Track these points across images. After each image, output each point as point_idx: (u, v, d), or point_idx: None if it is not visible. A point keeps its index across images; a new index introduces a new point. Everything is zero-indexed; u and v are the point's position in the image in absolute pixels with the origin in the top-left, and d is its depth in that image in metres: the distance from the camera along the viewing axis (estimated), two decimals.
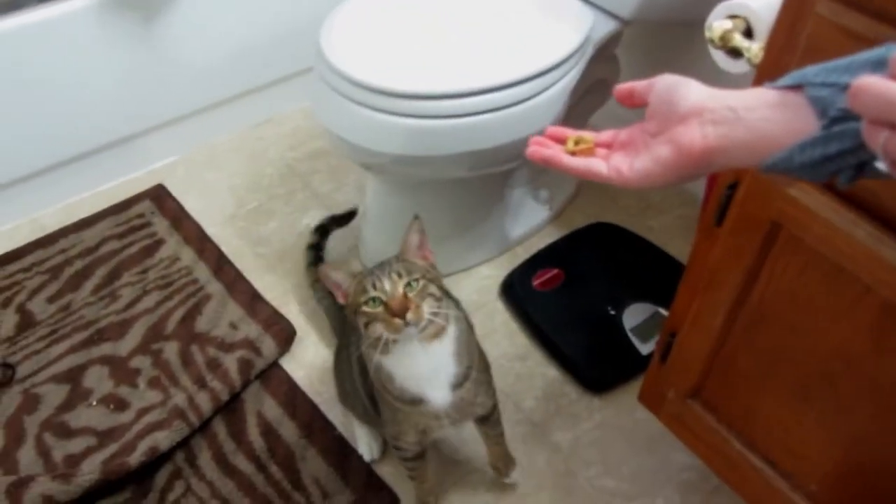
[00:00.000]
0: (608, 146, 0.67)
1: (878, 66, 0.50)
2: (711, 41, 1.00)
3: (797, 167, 0.55)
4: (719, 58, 1.04)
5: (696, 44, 1.75)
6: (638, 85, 0.66)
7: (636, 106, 0.66)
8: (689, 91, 0.61)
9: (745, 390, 1.14)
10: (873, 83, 0.44)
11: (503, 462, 1.38)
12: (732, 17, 1.00)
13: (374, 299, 1.02)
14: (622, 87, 0.67)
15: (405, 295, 1.02)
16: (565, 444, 1.48)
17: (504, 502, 1.40)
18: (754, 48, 0.96)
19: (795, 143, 0.54)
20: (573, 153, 0.67)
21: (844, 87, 0.50)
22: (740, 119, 0.57)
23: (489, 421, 1.29)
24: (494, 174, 1.74)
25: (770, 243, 0.98)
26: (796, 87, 0.55)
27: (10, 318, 1.73)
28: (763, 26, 0.97)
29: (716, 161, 0.59)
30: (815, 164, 0.54)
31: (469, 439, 1.45)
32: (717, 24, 0.99)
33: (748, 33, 0.99)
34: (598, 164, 0.65)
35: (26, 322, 1.72)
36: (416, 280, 1.04)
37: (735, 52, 1.00)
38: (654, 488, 1.41)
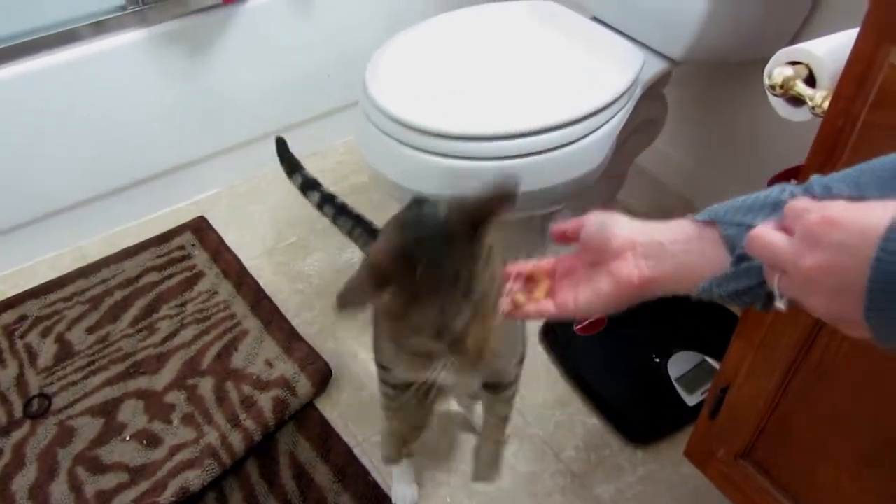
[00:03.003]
0: (551, 274, 0.74)
1: (776, 207, 0.56)
2: (771, 88, 0.96)
3: (717, 297, 0.60)
4: (779, 105, 0.99)
5: (746, 83, 1.71)
6: (569, 226, 0.72)
7: (569, 243, 0.72)
8: (619, 227, 0.67)
9: (802, 452, 1.08)
10: (762, 234, 0.51)
11: (488, 460, 1.20)
12: (793, 63, 0.96)
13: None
14: (555, 228, 0.73)
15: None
16: (607, 498, 1.43)
17: None
18: (817, 97, 0.91)
19: (713, 278, 0.60)
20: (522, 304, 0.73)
21: (748, 227, 0.56)
22: (666, 251, 0.63)
23: (500, 393, 1.15)
24: (535, 216, 1.71)
25: None
26: (711, 222, 0.61)
27: (50, 348, 1.73)
28: (827, 74, 0.93)
29: (653, 290, 0.64)
30: (732, 296, 0.59)
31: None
32: (778, 71, 0.95)
33: (810, 81, 0.95)
34: (548, 305, 0.72)
35: (65, 352, 1.72)
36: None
37: (796, 100, 0.95)
38: None
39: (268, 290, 1.84)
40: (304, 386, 1.56)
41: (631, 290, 0.65)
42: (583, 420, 1.56)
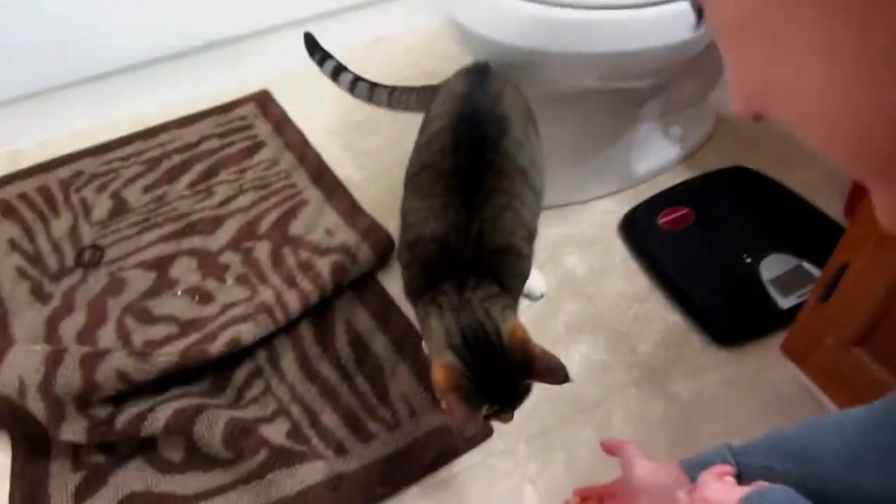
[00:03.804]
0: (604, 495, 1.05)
1: (705, 466, 0.85)
2: None
3: None
4: None
5: None
6: (615, 445, 1.02)
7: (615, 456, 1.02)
8: (638, 469, 0.95)
9: None
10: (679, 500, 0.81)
11: None
12: None
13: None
14: (605, 443, 1.04)
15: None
16: (685, 396, 1.31)
17: None
18: None
19: None
20: None
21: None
22: (665, 492, 0.87)
23: None
24: (625, 97, 1.57)
25: None
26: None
27: (104, 203, 1.67)
28: None
29: None
30: None
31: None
32: None
33: None
34: None
35: (120, 208, 1.65)
36: None
37: None
38: None
39: (331, 166, 1.75)
40: (365, 254, 1.46)
41: None
42: (662, 316, 1.44)
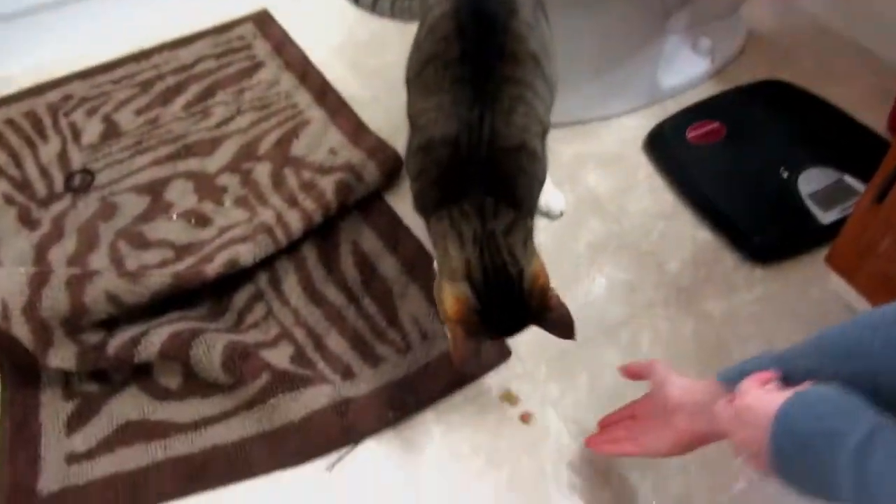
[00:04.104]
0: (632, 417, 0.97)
1: (745, 375, 0.78)
2: None
3: None
4: None
5: None
6: (639, 368, 0.97)
7: (638, 380, 0.97)
8: (672, 388, 0.89)
9: None
10: (719, 410, 0.78)
11: None
12: None
13: None
14: (628, 368, 0.99)
15: None
16: (717, 314, 1.22)
17: None
18: None
19: None
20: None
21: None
22: (702, 409, 0.83)
23: None
24: (651, 6, 1.45)
25: None
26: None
27: (95, 127, 1.57)
28: None
29: (704, 438, 0.85)
30: None
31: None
32: None
33: None
34: (628, 446, 0.95)
35: (111, 132, 1.56)
36: None
37: None
38: None
39: (336, 85, 1.64)
40: (371, 173, 1.36)
41: (687, 439, 0.86)
42: (692, 234, 1.33)
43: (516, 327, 0.93)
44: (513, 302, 0.90)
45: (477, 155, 0.92)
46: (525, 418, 1.09)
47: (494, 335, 0.94)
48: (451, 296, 0.90)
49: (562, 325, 0.93)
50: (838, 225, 1.13)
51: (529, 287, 0.90)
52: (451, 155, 0.93)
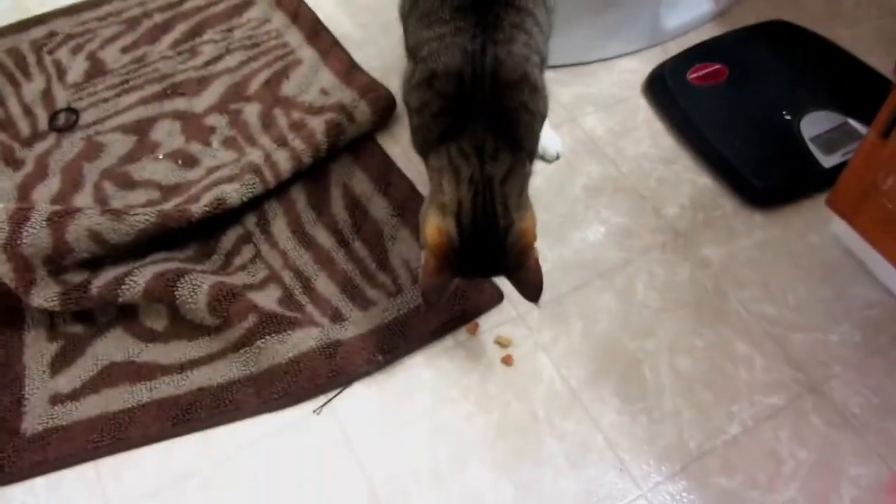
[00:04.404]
0: None
1: None
2: None
3: None
4: None
5: None
6: None
7: None
8: None
9: None
10: None
11: None
12: None
13: None
14: None
15: None
16: (715, 260, 1.19)
17: (633, 312, 1.13)
18: None
19: None
20: None
21: None
22: None
23: None
24: None
25: None
26: None
27: (80, 65, 1.53)
28: None
29: None
30: None
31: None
32: None
33: None
34: None
35: (96, 70, 1.51)
36: None
37: None
38: (826, 322, 1.11)
39: (327, 24, 1.59)
40: (363, 113, 1.32)
41: None
42: (691, 178, 1.30)
43: (487, 274, 0.94)
44: (492, 252, 0.90)
45: (481, 88, 0.90)
46: (507, 360, 1.07)
47: (465, 276, 0.94)
48: (435, 227, 0.89)
49: (530, 287, 0.92)
50: (840, 169, 1.10)
51: (513, 241, 0.90)
52: (455, 88, 0.91)
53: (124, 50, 1.55)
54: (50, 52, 1.56)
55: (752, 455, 0.99)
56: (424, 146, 0.97)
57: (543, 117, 0.98)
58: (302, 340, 1.07)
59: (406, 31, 1.02)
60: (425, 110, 0.94)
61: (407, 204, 1.25)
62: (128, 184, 1.30)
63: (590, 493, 0.96)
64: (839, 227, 1.15)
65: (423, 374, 1.08)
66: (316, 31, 1.56)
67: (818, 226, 1.21)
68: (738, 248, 1.20)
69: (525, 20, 0.91)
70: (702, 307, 1.13)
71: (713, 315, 1.13)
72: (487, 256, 0.90)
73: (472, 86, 0.89)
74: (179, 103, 1.43)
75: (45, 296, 1.10)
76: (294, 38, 1.55)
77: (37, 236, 1.08)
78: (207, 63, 1.51)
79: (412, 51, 0.98)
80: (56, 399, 1.06)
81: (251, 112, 1.40)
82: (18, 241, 1.08)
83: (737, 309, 1.13)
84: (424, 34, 0.94)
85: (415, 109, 0.97)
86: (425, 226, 0.91)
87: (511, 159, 0.90)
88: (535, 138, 0.98)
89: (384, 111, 1.35)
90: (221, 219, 1.22)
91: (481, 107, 0.90)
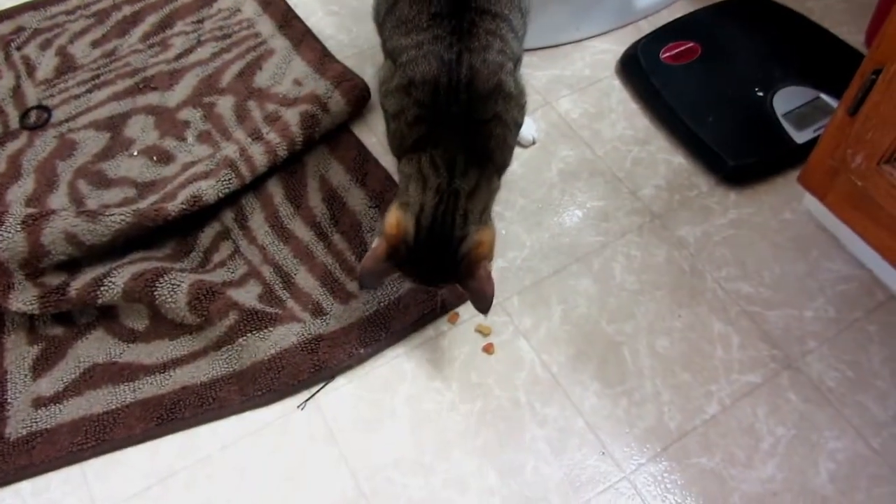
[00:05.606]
0: None
1: None
2: None
3: None
4: None
5: None
6: None
7: None
8: None
9: None
10: None
11: None
12: None
13: None
14: None
15: None
16: (691, 240, 1.20)
17: (611, 295, 1.14)
18: None
19: None
20: None
21: None
22: None
23: None
24: None
25: None
26: None
27: (50, 61, 1.51)
28: None
29: None
30: None
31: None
32: None
33: None
34: None
35: (66, 66, 1.50)
36: None
37: None
38: (801, 299, 1.13)
39: (298, 12, 1.57)
40: (337, 103, 1.32)
41: None
42: (666, 158, 1.31)
43: (438, 278, 0.95)
44: (443, 256, 0.92)
45: (456, 100, 0.91)
46: (488, 349, 1.08)
47: (414, 276, 0.95)
48: (396, 218, 0.92)
49: (478, 296, 0.93)
50: (812, 145, 1.11)
51: (465, 251, 0.91)
52: (431, 98, 0.92)
53: (94, 44, 1.53)
54: (18, 49, 1.53)
55: (731, 433, 1.01)
56: (399, 150, 0.98)
57: (518, 126, 1.00)
58: (284, 336, 1.07)
59: (382, 36, 1.03)
60: (402, 117, 0.95)
61: (384, 194, 1.25)
62: (103, 182, 1.30)
63: (573, 477, 0.98)
64: (811, 203, 1.16)
65: (404, 365, 1.09)
66: (287, 20, 1.55)
67: (791, 202, 1.23)
68: (714, 228, 1.22)
69: (500, 26, 0.92)
70: (679, 288, 1.15)
71: (690, 295, 1.14)
72: (438, 260, 0.92)
73: (447, 96, 0.91)
74: (152, 98, 1.42)
75: (23, 300, 1.10)
76: (266, 27, 1.54)
77: (12, 240, 1.08)
78: (179, 56, 1.49)
79: (391, 54, 0.99)
80: (39, 402, 1.06)
81: (225, 105, 1.39)
82: None
83: (713, 288, 1.15)
84: (403, 41, 0.95)
85: (392, 115, 0.98)
86: (387, 215, 0.93)
87: (479, 175, 0.93)
88: (508, 151, 0.99)
89: (359, 101, 1.35)
90: (199, 216, 1.21)
91: (455, 119, 0.91)
